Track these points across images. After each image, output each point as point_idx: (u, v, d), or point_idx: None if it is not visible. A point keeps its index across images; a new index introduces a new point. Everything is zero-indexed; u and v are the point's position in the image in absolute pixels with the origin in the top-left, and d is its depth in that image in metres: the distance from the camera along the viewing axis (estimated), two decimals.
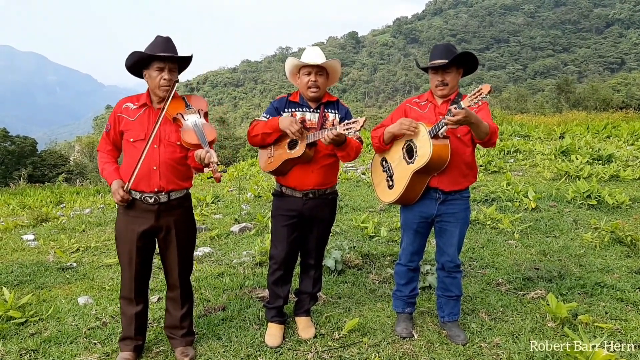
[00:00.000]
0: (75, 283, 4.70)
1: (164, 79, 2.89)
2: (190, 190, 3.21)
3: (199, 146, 2.80)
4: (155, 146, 2.93)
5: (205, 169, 2.71)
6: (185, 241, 3.16)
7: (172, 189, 2.99)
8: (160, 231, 3.05)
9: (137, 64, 2.97)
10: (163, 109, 2.89)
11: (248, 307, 3.92)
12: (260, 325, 3.60)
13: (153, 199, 2.95)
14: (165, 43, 2.92)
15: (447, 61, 3.13)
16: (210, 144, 2.82)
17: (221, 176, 2.69)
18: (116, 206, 3.14)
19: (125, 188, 2.89)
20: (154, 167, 2.92)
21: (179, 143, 2.95)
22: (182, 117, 2.92)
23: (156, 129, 2.87)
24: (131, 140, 2.95)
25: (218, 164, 2.70)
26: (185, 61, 3.04)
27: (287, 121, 3.14)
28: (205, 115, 3.03)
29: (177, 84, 2.95)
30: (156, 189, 2.94)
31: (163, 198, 2.97)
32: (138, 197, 2.95)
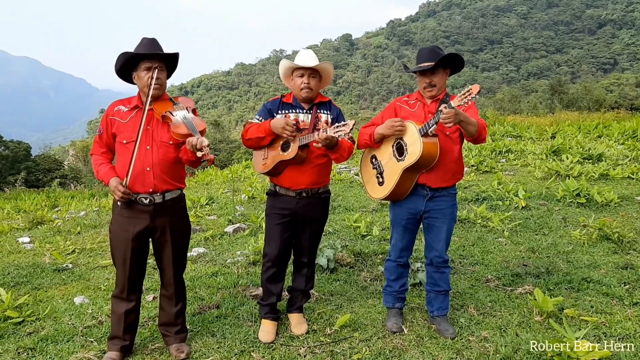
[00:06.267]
0: (71, 284, 4.76)
1: (153, 78, 2.93)
2: (184, 192, 3.28)
3: (190, 135, 2.86)
4: (148, 147, 2.99)
5: (198, 153, 2.78)
6: (180, 241, 3.22)
7: (166, 190, 3.05)
8: (155, 232, 3.10)
9: (126, 66, 3.02)
10: (145, 106, 2.96)
11: (242, 305, 3.99)
12: (253, 322, 3.66)
13: (148, 200, 3.00)
14: (151, 43, 2.99)
15: (432, 64, 3.23)
16: (201, 134, 2.87)
17: (214, 158, 2.79)
18: (112, 207, 3.16)
19: (124, 184, 2.93)
20: (148, 168, 2.98)
21: (171, 142, 3.01)
22: (171, 114, 2.98)
23: (141, 127, 2.92)
24: (124, 142, 3.00)
25: (210, 148, 2.81)
26: (173, 61, 3.10)
27: (279, 123, 3.19)
28: (194, 111, 3.09)
29: (166, 86, 3.06)
30: (151, 190, 2.99)
31: (158, 199, 3.02)
32: (133, 198, 3.00)
